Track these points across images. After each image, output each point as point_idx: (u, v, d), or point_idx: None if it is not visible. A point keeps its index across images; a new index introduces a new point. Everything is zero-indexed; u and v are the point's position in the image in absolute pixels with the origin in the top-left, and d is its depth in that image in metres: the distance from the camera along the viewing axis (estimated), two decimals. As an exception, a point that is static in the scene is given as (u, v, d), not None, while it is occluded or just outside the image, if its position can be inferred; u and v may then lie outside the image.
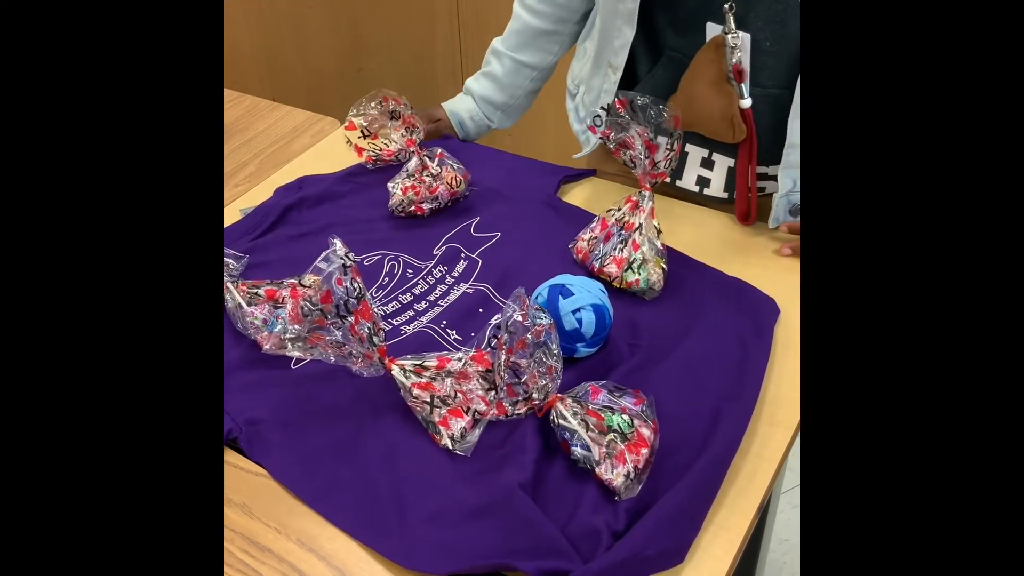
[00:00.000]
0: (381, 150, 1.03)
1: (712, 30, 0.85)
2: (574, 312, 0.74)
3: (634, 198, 0.85)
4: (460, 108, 1.10)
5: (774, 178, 0.91)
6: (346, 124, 1.01)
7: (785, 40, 0.83)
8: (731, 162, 0.93)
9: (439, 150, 0.98)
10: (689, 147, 0.95)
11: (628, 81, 0.96)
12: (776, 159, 0.89)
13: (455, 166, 0.97)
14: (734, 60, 0.84)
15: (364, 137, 1.02)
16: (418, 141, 0.99)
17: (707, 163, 0.95)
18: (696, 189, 0.97)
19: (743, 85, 0.85)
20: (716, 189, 0.96)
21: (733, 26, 0.83)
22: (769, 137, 0.88)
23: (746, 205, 0.92)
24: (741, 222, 0.94)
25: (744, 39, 0.83)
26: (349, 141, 1.02)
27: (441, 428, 0.71)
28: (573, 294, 0.75)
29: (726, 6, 0.82)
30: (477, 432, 0.71)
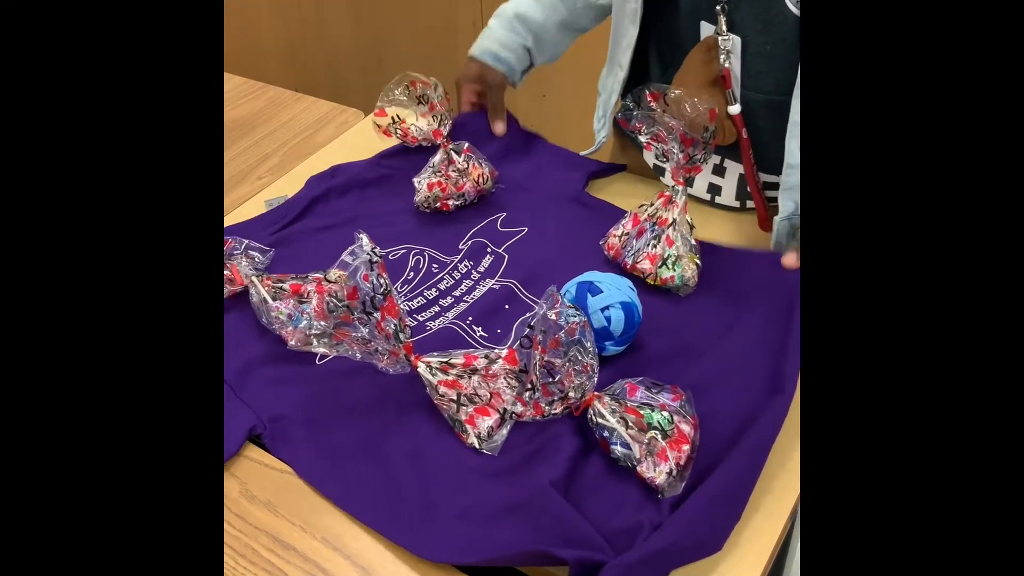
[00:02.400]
0: (406, 135, 0.99)
1: (706, 30, 0.83)
2: (603, 310, 0.73)
3: (667, 193, 0.83)
4: (487, 43, 0.99)
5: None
6: (376, 111, 0.99)
7: (785, 45, 0.80)
8: (743, 168, 0.90)
9: (467, 144, 0.96)
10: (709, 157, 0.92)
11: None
12: (780, 167, 0.87)
13: (483, 163, 0.96)
14: (725, 65, 0.81)
15: (394, 123, 0.98)
16: (445, 132, 0.97)
17: (719, 170, 0.92)
18: (707, 197, 0.95)
19: (731, 91, 0.83)
20: (728, 197, 0.94)
21: (724, 28, 0.80)
22: (775, 145, 0.85)
23: (764, 213, 0.90)
24: (762, 227, 0.91)
25: (735, 42, 0.81)
26: (378, 126, 0.99)
27: (468, 427, 0.69)
28: (602, 291, 0.74)
29: (718, 7, 0.79)
30: (504, 431, 0.70)
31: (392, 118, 0.98)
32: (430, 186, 0.93)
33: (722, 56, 0.82)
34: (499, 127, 1.03)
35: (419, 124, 0.98)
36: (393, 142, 1.02)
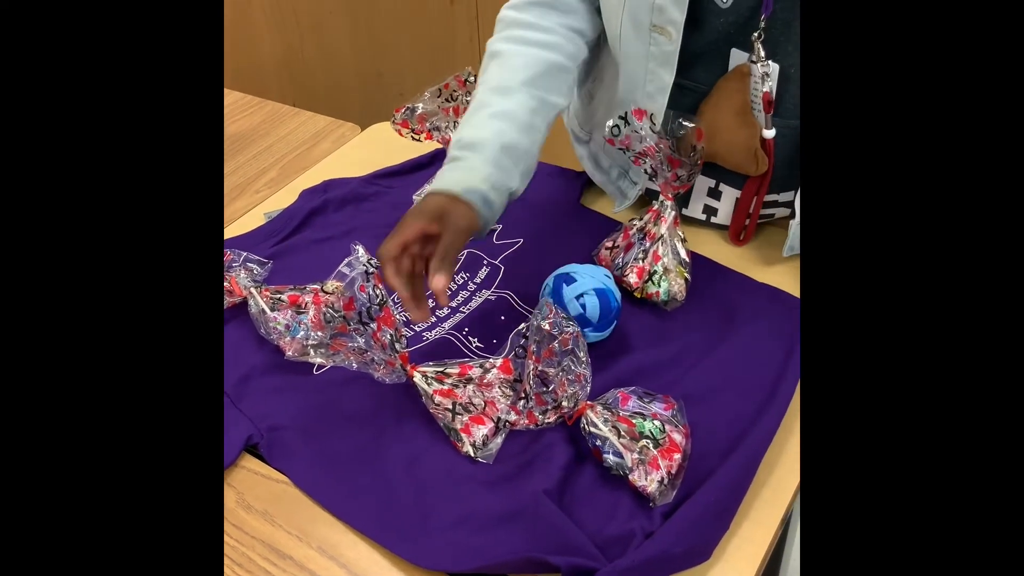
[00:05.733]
0: (421, 131, 0.93)
1: (736, 57, 0.82)
2: (577, 298, 0.76)
3: (655, 207, 0.84)
4: (474, 180, 0.76)
5: (785, 204, 0.90)
6: (400, 121, 0.92)
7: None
8: (739, 193, 0.90)
9: None
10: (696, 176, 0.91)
11: None
12: (786, 186, 0.88)
13: None
14: (764, 89, 0.81)
15: (409, 112, 0.93)
16: None
17: (714, 193, 0.93)
18: (703, 218, 0.95)
19: (769, 116, 0.82)
20: (723, 217, 0.94)
21: (763, 55, 0.79)
22: (784, 167, 0.85)
23: (740, 228, 0.91)
24: (733, 241, 0.92)
25: (774, 69, 0.80)
26: (394, 121, 0.92)
27: (463, 435, 0.70)
28: (576, 280, 0.77)
29: (754, 35, 0.79)
30: (499, 440, 0.71)
31: (408, 107, 0.91)
32: None
33: (766, 82, 0.80)
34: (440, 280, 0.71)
35: (438, 123, 0.92)
36: (406, 143, 0.97)
